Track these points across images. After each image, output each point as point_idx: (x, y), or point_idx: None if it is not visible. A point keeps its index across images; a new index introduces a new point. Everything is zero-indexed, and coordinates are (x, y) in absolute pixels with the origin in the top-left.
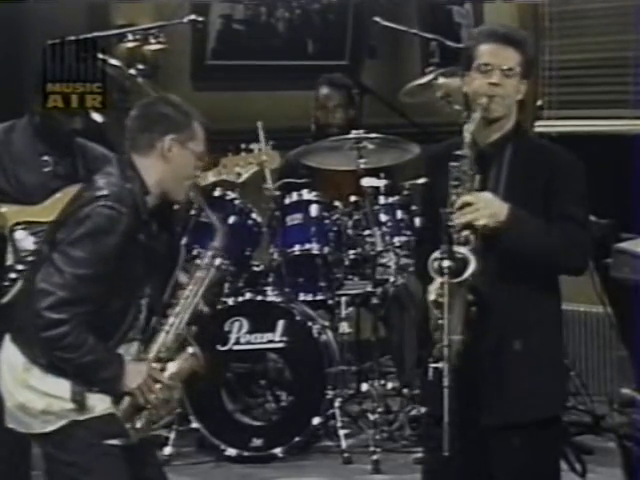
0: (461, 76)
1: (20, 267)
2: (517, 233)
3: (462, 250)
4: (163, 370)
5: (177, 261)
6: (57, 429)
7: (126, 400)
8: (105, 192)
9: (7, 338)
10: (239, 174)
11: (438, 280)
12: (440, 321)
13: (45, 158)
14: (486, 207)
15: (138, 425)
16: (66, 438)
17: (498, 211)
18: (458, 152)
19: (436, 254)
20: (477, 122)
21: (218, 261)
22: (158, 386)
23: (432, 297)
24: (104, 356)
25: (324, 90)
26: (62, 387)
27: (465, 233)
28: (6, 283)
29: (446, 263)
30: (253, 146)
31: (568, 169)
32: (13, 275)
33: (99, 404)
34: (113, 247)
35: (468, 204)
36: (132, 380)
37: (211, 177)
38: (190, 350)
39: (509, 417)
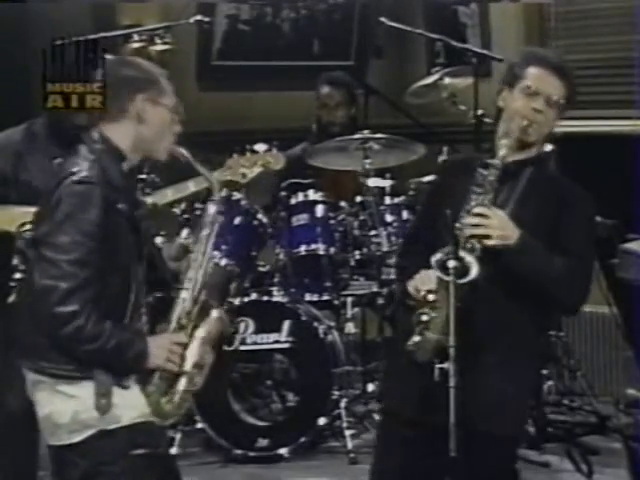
0: (499, 91)
1: (25, 267)
2: (522, 261)
3: (465, 256)
4: (190, 337)
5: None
6: (84, 439)
7: (156, 376)
8: (71, 170)
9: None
10: (244, 175)
11: (434, 277)
12: (424, 317)
13: (59, 161)
14: (499, 227)
15: (176, 399)
16: (94, 448)
17: (510, 234)
18: (490, 160)
19: (440, 255)
20: (514, 140)
21: (220, 217)
22: (188, 353)
23: (422, 293)
24: (126, 336)
25: (325, 89)
26: (87, 391)
27: (472, 241)
28: (12, 283)
29: (452, 264)
30: (258, 147)
31: (581, 209)
32: (18, 275)
33: (126, 413)
34: (96, 221)
35: (484, 215)
36: (158, 355)
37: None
38: (215, 314)
39: (470, 425)
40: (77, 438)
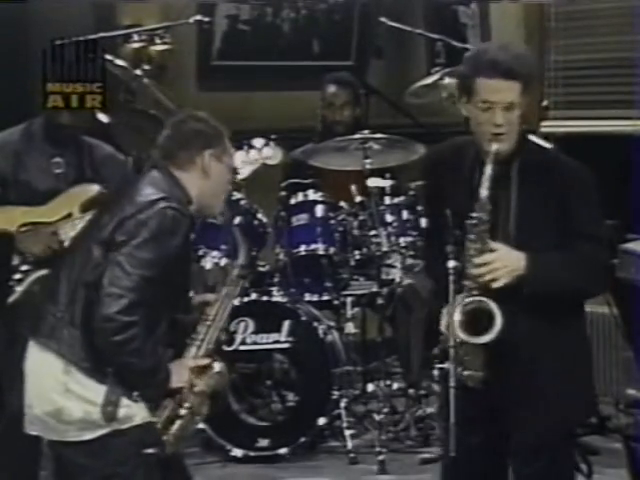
0: (458, 98)
1: (25, 267)
2: (538, 279)
3: (488, 302)
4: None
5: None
6: (95, 438)
7: (167, 409)
8: (162, 195)
9: (34, 344)
10: (242, 171)
11: (461, 336)
12: (467, 357)
13: (56, 160)
14: (504, 266)
15: (172, 439)
16: (105, 448)
17: (516, 265)
18: (474, 214)
19: (458, 314)
20: (490, 175)
21: (244, 278)
22: (193, 391)
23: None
24: (158, 360)
25: (331, 88)
26: (98, 396)
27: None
28: (11, 283)
29: (451, 264)
30: (256, 142)
31: (582, 185)
32: (18, 276)
33: (138, 412)
34: (176, 249)
35: (484, 264)
36: (179, 377)
37: None
38: (217, 367)
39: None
40: (88, 436)
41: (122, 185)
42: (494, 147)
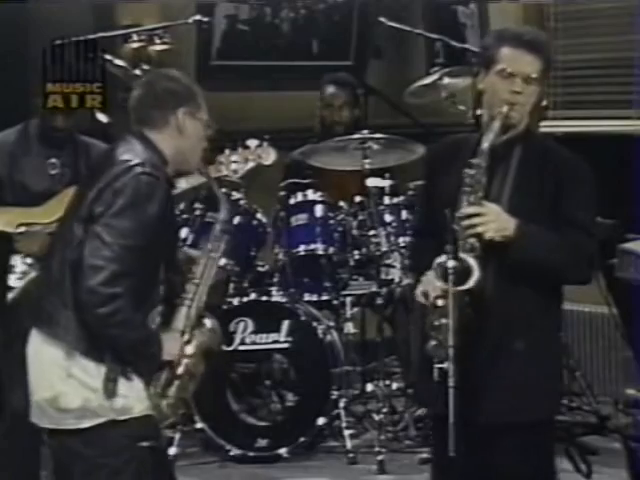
0: (476, 73)
1: (22, 268)
2: (524, 248)
3: (467, 258)
4: (188, 343)
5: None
6: (92, 427)
7: (163, 375)
8: (137, 160)
9: (36, 332)
10: (235, 171)
11: (438, 284)
12: (436, 322)
13: (52, 161)
14: (495, 220)
15: (172, 401)
16: (102, 438)
17: (506, 225)
18: (473, 160)
19: (441, 259)
20: (496, 131)
21: (227, 233)
22: (186, 359)
23: (430, 299)
24: (147, 331)
25: (330, 89)
26: (98, 379)
27: (471, 240)
28: (9, 284)
29: (451, 263)
30: (250, 142)
31: (578, 174)
32: (16, 276)
33: (137, 405)
34: (155, 215)
35: (477, 214)
36: (170, 350)
37: None
38: (208, 324)
39: (503, 418)
40: (85, 424)
41: (100, 159)
42: (506, 108)
